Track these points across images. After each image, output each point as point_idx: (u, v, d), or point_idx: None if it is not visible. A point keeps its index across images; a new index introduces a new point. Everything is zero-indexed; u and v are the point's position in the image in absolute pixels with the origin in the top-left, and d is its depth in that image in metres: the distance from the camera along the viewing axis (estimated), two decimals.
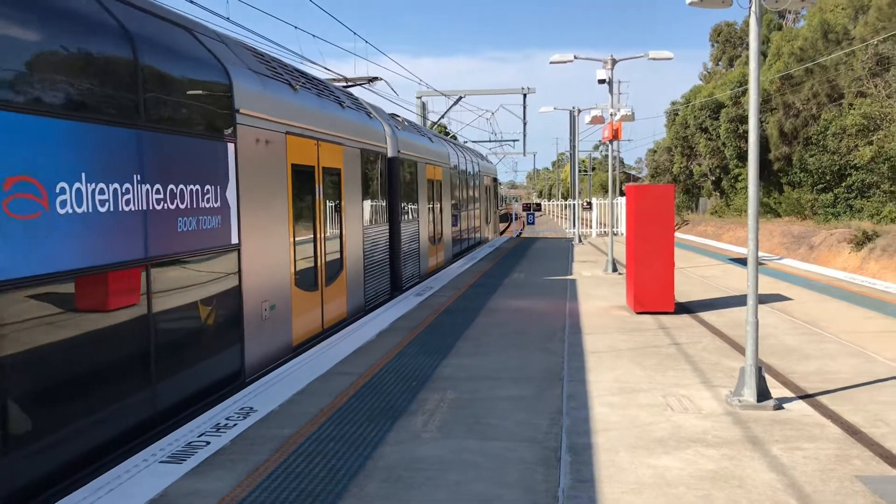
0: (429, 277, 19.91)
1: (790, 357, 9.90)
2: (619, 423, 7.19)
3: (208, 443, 6.65)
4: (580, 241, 33.29)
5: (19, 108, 5.69)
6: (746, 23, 66.06)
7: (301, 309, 11.38)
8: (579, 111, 33.85)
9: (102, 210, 6.59)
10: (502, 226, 48.92)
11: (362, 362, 9.80)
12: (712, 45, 72.48)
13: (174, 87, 8.04)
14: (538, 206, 44.43)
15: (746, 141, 50.49)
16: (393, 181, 17.33)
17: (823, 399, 7.98)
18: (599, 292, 16.23)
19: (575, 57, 20.02)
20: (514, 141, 52.44)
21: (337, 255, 13.32)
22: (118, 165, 6.85)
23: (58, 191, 6.03)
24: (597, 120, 21.64)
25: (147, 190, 7.30)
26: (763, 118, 48.14)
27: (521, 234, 42.53)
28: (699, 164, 62.87)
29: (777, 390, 8.16)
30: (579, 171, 42.32)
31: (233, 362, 9.08)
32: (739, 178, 56.13)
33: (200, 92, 8.62)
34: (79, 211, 6.27)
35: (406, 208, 18.48)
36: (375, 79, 20.11)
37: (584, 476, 5.90)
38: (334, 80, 18.87)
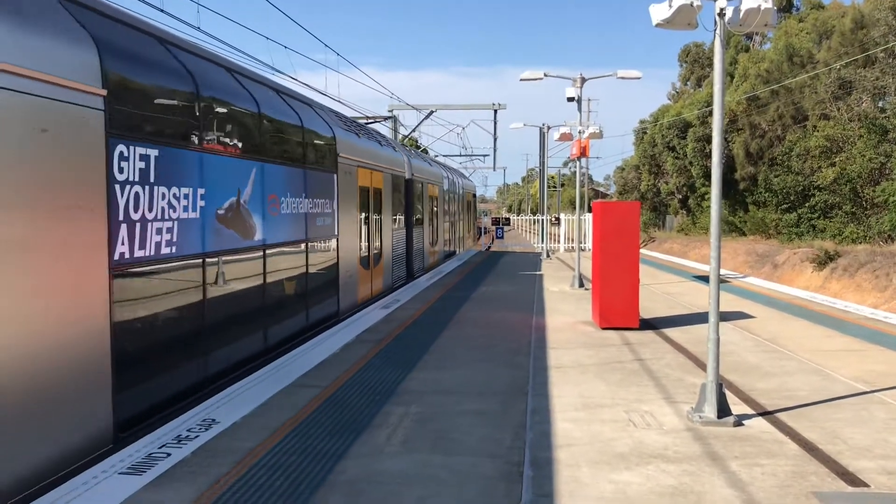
0: (430, 271, 25.52)
1: (751, 374, 10.04)
2: (581, 439, 7.24)
3: (169, 454, 6.58)
4: (548, 255, 33.48)
5: (273, 161, 11.79)
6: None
7: (363, 280, 17.39)
8: (549, 128, 34.12)
9: (292, 212, 12.67)
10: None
11: (327, 375, 9.76)
12: (681, 66, 73.54)
13: (315, 143, 14.09)
14: (507, 221, 44.75)
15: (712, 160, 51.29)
16: (409, 197, 23.30)
17: (783, 416, 8.10)
18: (566, 307, 16.33)
19: (545, 74, 20.20)
20: (484, 156, 52.79)
21: (378, 248, 19.08)
22: (297, 188, 12.90)
23: (282, 201, 12.13)
24: (565, 137, 21.83)
25: (306, 202, 13.38)
26: (729, 138, 48.89)
27: (489, 248, 42.68)
28: (666, 182, 63.61)
29: (737, 407, 8.27)
30: (548, 186, 42.60)
31: (334, 304, 15.15)
32: (706, 196, 56.87)
33: (323, 144, 14.67)
34: (285, 213, 12.33)
35: (416, 217, 24.34)
36: (390, 117, 29.77)
37: (545, 491, 5.93)
38: (357, 116, 26.09)
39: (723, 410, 7.81)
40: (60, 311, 6.61)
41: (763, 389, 9.23)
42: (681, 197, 62.19)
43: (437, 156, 44.37)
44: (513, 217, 78.70)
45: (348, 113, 23.87)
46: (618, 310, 13.25)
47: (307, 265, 13.43)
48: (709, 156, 53.85)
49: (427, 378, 9.63)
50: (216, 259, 9.74)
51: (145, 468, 6.23)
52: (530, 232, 68.51)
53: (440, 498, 5.75)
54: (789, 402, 8.66)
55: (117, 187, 7.45)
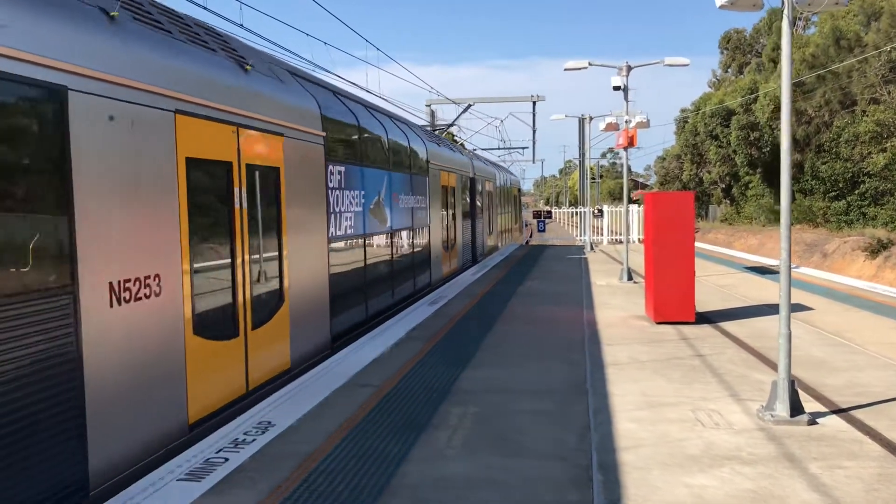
0: (486, 257, 28.97)
1: (819, 369, 9.65)
2: (648, 440, 6.97)
3: (227, 459, 6.44)
4: (592, 248, 33.02)
5: (394, 170, 15.68)
6: (756, 30, 65.90)
7: (445, 260, 21.45)
8: (590, 118, 33.64)
9: (405, 207, 16.58)
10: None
11: (381, 373, 9.59)
12: (722, 53, 72.25)
13: (415, 153, 17.98)
14: (549, 214, 44.20)
15: (757, 148, 50.15)
16: (472, 193, 27.02)
17: (858, 414, 7.73)
18: (616, 301, 15.99)
19: (590, 63, 19.82)
20: (523, 148, 52.16)
21: (454, 235, 23.10)
22: (407, 189, 16.78)
23: (399, 199, 15.97)
24: (611, 127, 21.39)
25: (411, 198, 17.27)
26: (773, 125, 47.89)
27: (528, 242, 42.30)
28: (709, 172, 62.61)
29: (809, 404, 7.92)
30: (588, 178, 42.08)
31: (428, 277, 19.06)
32: (750, 185, 55.86)
33: (420, 154, 18.53)
34: (402, 207, 16.28)
35: (478, 210, 28.21)
36: (452, 125, 36.12)
37: (616, 496, 5.67)
38: (424, 125, 31.50)
39: (796, 409, 7.47)
40: (320, 264, 11.30)
41: (834, 385, 8.86)
42: (724, 186, 61.17)
43: (475, 149, 44.06)
44: (553, 209, 78.03)
45: (389, 108, 24.67)
46: (673, 303, 12.89)
47: (413, 245, 17.53)
48: (753, 144, 52.92)
49: (482, 376, 9.41)
50: (369, 238, 13.99)
51: (204, 474, 6.09)
52: (570, 224, 67.87)
53: None
54: (863, 398, 8.28)
55: (329, 192, 11.64)
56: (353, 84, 21.09)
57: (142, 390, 6.49)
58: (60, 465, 5.41)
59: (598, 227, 40.30)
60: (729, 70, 71.42)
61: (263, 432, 7.19)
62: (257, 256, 8.92)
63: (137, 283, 6.47)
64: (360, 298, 13.29)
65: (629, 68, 19.16)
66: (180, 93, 7.25)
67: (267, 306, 9.24)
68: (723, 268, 23.46)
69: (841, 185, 42.12)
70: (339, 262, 12.10)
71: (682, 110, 67.76)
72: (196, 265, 7.51)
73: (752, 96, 51.23)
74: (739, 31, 69.56)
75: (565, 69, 19.84)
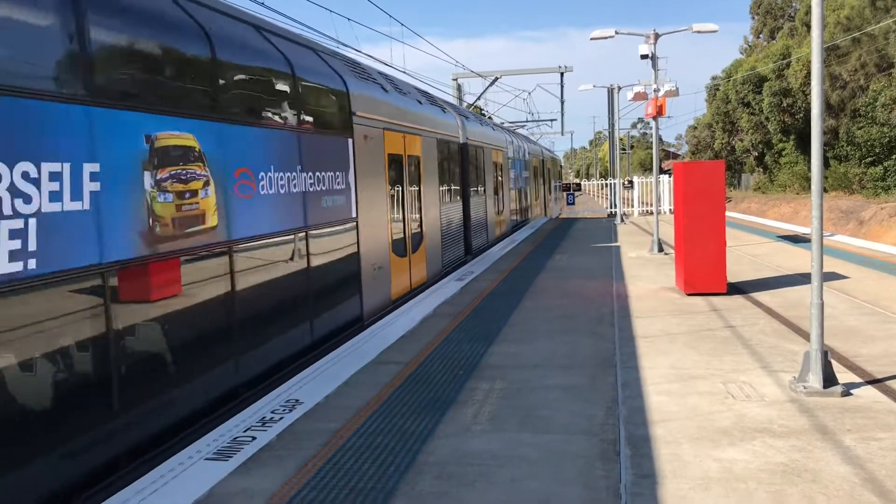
0: (536, 220, 33.84)
1: (853, 339, 9.47)
2: (678, 413, 6.88)
3: (254, 438, 6.47)
4: (622, 220, 32.73)
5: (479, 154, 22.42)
6: None
7: (497, 224, 25.11)
8: (619, 88, 33.18)
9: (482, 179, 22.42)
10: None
11: (408, 350, 9.58)
12: (753, 18, 70.83)
13: (487, 158, 23.21)
14: (578, 187, 43.87)
15: (790, 115, 49.32)
16: (539, 170, 35.42)
17: (894, 384, 7.57)
18: (646, 273, 15.83)
19: (616, 32, 19.49)
20: (551, 121, 51.80)
21: (517, 206, 30.03)
22: (484, 165, 23.26)
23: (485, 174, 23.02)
24: (640, 96, 21.07)
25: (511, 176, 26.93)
26: (807, 91, 46.88)
27: (559, 214, 42.02)
28: (741, 140, 61.64)
29: (843, 375, 7.76)
30: (618, 149, 41.62)
31: (505, 227, 26.73)
32: (783, 153, 54.93)
33: (457, 141, 20.03)
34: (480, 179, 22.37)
35: (535, 184, 36.27)
36: (479, 98, 40.77)
37: (645, 471, 5.61)
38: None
39: (829, 380, 7.33)
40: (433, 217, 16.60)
41: (868, 355, 8.68)
42: (756, 154, 60.22)
43: (502, 122, 43.78)
44: (582, 182, 77.50)
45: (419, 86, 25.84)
46: (704, 274, 12.71)
47: (465, 216, 20.32)
48: (786, 110, 51.96)
49: (509, 351, 9.36)
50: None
51: (232, 453, 6.12)
52: (600, 196, 67.34)
53: (535, 480, 5.49)
54: None
55: (466, 171, 19.33)
56: (376, 59, 20.82)
57: (378, 279, 12.43)
58: (352, 309, 11.28)
59: (628, 199, 39.90)
60: (760, 36, 70.05)
61: (291, 410, 7.21)
62: (413, 211, 14.78)
63: (374, 221, 12.30)
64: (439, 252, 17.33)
65: (657, 36, 18.82)
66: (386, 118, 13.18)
67: (416, 240, 15.02)
68: (755, 237, 23.12)
69: (878, 151, 41.22)
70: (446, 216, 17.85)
71: (713, 78, 66.71)
72: (391, 215, 13.29)
73: (785, 61, 50.22)
74: None
75: (591, 38, 19.55)
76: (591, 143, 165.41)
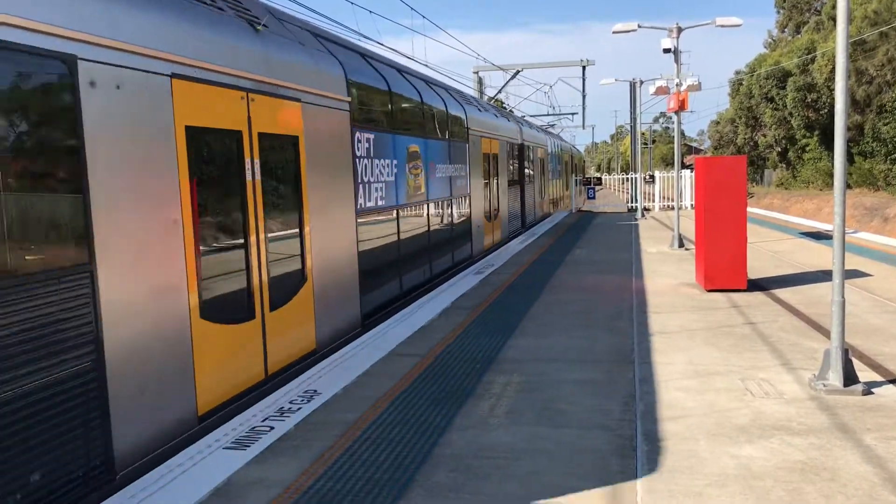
0: (535, 224, 31.25)
1: (875, 337, 9.37)
2: (695, 409, 6.85)
3: (272, 428, 6.52)
4: (643, 215, 32.55)
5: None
6: None
7: (540, 206, 30.17)
8: (641, 82, 32.99)
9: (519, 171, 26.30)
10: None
11: (426, 343, 9.60)
12: (778, 12, 70.03)
13: (536, 155, 29.17)
14: (599, 181, 43.63)
15: (815, 110, 48.72)
16: (569, 164, 36.94)
17: None
18: (666, 269, 15.74)
19: (639, 26, 19.37)
20: (572, 114, 51.49)
21: (553, 193, 34.42)
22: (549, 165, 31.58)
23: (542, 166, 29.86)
24: (661, 90, 20.91)
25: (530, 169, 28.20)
26: (832, 86, 46.32)
27: (580, 208, 41.86)
28: (764, 135, 61.05)
29: (864, 373, 7.69)
30: (640, 143, 41.37)
31: (519, 221, 26.00)
32: (807, 148, 54.37)
33: (518, 142, 25.39)
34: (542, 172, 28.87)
35: (553, 176, 36.20)
36: (500, 91, 42.05)
37: (661, 466, 5.59)
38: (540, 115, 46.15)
39: (849, 378, 7.26)
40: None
41: (890, 354, 8.59)
42: (780, 150, 59.61)
43: (523, 116, 43.66)
44: (603, 176, 77.10)
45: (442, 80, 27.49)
46: (724, 270, 12.63)
47: (522, 198, 25.53)
48: (810, 106, 51.41)
49: (527, 345, 9.35)
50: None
51: (249, 442, 6.17)
52: (621, 191, 67.00)
53: (551, 473, 5.49)
54: None
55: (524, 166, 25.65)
56: (396, 51, 20.71)
57: (478, 233, 19.13)
58: (468, 248, 17.94)
59: (649, 193, 39.67)
60: (785, 30, 69.23)
61: (309, 401, 7.26)
62: (494, 192, 19.80)
63: (477, 196, 18.46)
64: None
65: (679, 30, 18.67)
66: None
67: (495, 212, 20.68)
68: (777, 233, 22.92)
69: None
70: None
71: (737, 72, 66.04)
72: (484, 193, 19.38)
73: (810, 56, 49.66)
74: None
75: (614, 32, 19.43)
76: (612, 137, 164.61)
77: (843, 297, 7.36)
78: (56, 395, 5.04)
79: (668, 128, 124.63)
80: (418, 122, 14.40)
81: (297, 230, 8.96)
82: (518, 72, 40.80)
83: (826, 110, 50.28)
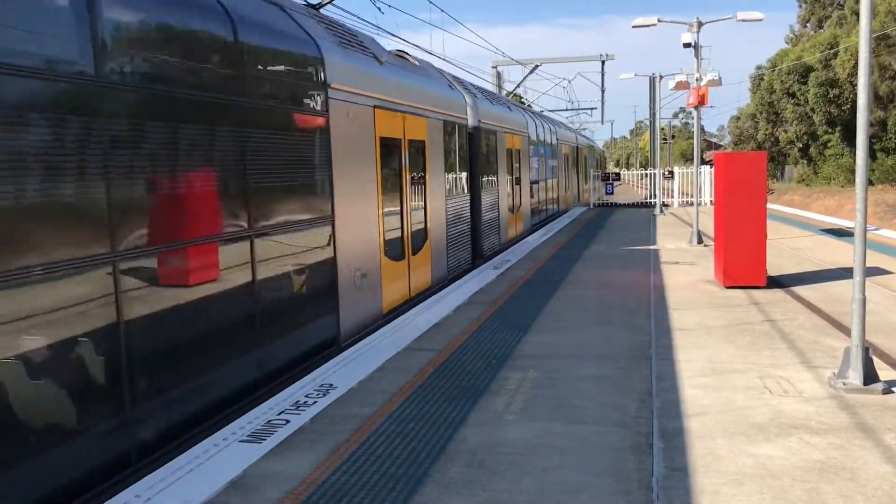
0: (552, 220, 32.85)
1: None
2: (713, 407, 6.80)
3: (288, 421, 6.54)
4: (662, 211, 32.37)
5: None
6: None
7: (567, 200, 34.95)
8: (661, 77, 32.78)
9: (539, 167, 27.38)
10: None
11: (441, 338, 9.59)
12: (800, 6, 69.37)
13: (571, 153, 37.01)
14: (617, 176, 43.38)
15: (837, 106, 48.31)
16: (579, 158, 39.70)
17: None
18: (685, 265, 15.64)
19: (659, 20, 19.24)
20: (591, 109, 51.38)
21: (580, 185, 40.75)
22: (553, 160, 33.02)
23: (548, 164, 30.09)
24: (681, 85, 20.75)
25: (550, 164, 30.32)
26: (855, 82, 45.83)
27: (598, 204, 41.70)
28: (785, 131, 60.54)
29: (885, 372, 7.60)
30: (659, 138, 41.13)
31: (556, 206, 32.02)
32: (828, 144, 53.86)
33: (527, 135, 25.76)
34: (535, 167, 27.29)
35: (576, 171, 39.72)
36: (519, 86, 42.14)
37: (678, 464, 5.55)
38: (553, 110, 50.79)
39: (870, 377, 7.18)
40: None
41: None
42: (801, 146, 59.10)
43: (542, 111, 43.56)
44: (622, 172, 76.67)
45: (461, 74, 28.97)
46: (743, 267, 12.53)
47: (558, 188, 31.12)
48: (832, 101, 50.90)
49: (543, 341, 9.32)
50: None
51: (265, 436, 6.19)
52: (640, 186, 66.58)
53: (566, 470, 5.46)
54: None
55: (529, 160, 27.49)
56: (418, 47, 20.85)
57: (545, 209, 28.13)
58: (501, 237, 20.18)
59: (668, 189, 39.44)
60: (808, 25, 68.58)
61: (325, 395, 7.27)
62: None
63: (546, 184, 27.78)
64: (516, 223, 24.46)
65: (700, 24, 18.52)
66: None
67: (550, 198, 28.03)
68: (797, 230, 22.73)
69: None
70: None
71: (758, 67, 65.48)
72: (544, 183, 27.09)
73: (832, 51, 49.15)
74: None
75: (633, 26, 19.31)
76: (631, 132, 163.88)
77: (863, 294, 7.28)
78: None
79: (688, 123, 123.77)
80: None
81: (423, 204, 13.20)
82: (537, 66, 40.70)
83: (848, 106, 49.78)
